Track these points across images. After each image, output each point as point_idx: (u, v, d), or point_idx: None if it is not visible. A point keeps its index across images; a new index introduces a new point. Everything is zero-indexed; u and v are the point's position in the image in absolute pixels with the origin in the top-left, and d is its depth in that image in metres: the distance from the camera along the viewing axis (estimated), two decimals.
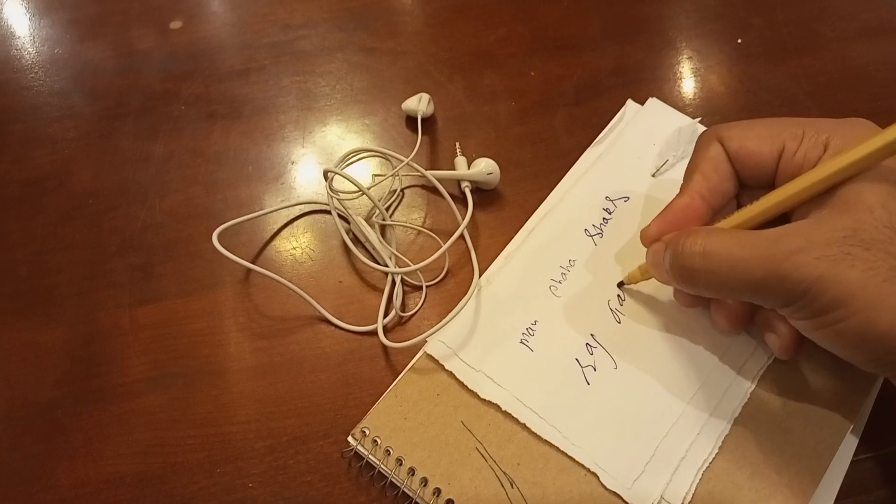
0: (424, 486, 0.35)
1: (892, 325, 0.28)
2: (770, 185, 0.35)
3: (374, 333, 0.41)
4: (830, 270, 0.28)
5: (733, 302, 0.36)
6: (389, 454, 0.36)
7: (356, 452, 0.37)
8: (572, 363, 0.39)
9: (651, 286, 0.41)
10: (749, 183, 0.36)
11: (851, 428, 0.36)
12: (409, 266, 0.42)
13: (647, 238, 0.37)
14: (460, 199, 0.46)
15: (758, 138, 0.35)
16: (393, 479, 0.36)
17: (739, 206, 0.37)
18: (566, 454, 0.36)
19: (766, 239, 0.31)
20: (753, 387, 0.37)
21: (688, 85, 0.52)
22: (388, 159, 0.48)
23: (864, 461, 0.36)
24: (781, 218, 0.34)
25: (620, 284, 0.41)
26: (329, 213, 0.46)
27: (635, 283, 0.40)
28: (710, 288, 0.33)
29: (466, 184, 0.45)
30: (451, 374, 0.38)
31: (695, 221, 0.36)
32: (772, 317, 0.35)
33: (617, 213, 0.44)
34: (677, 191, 0.44)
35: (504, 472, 0.36)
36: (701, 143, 0.37)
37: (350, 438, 0.37)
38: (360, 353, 0.41)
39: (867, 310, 0.28)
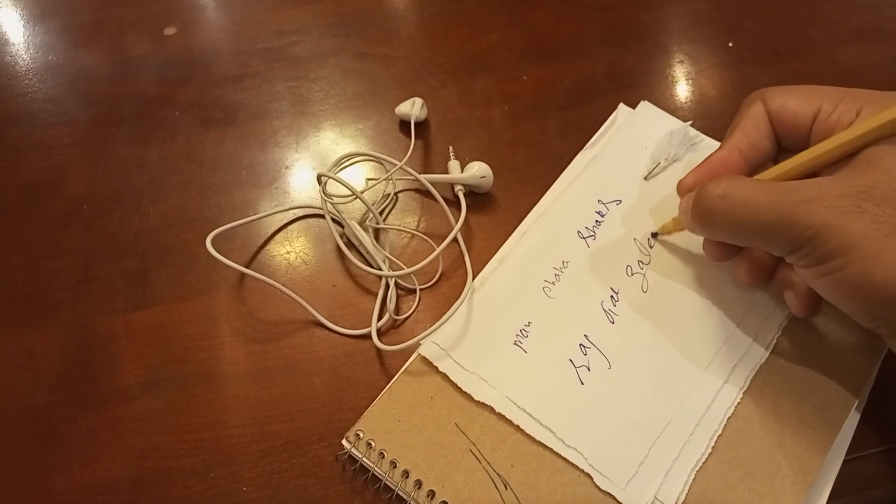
0: (419, 488, 0.36)
1: (888, 277, 0.29)
2: (805, 147, 0.36)
3: (368, 337, 0.41)
4: (837, 220, 0.30)
5: (757, 254, 0.37)
6: (384, 457, 0.36)
7: (350, 455, 0.37)
8: (566, 364, 0.39)
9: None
10: (785, 144, 0.37)
11: (843, 427, 0.36)
12: (402, 269, 0.43)
13: (683, 188, 0.39)
14: (454, 203, 0.46)
15: (798, 99, 0.36)
16: (387, 482, 0.36)
17: None
18: (560, 455, 0.36)
19: (783, 187, 0.32)
20: (745, 388, 0.37)
21: (680, 89, 0.52)
22: (381, 163, 0.48)
23: (857, 461, 0.37)
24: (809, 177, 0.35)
25: (654, 235, 0.43)
26: (323, 217, 0.46)
27: (668, 234, 0.42)
28: (724, 228, 0.35)
29: (460, 187, 0.45)
30: (444, 376, 0.38)
31: (730, 174, 0.37)
32: (790, 275, 0.36)
33: (609, 216, 0.44)
34: (669, 194, 0.44)
35: (498, 474, 0.36)
36: (745, 103, 0.38)
37: (344, 441, 0.37)
38: (355, 356, 0.41)
39: (866, 260, 0.29)
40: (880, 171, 0.31)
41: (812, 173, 0.35)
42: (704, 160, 0.38)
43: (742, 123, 0.37)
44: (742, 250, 0.38)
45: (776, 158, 0.38)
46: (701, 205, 0.35)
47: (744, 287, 0.40)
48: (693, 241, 0.42)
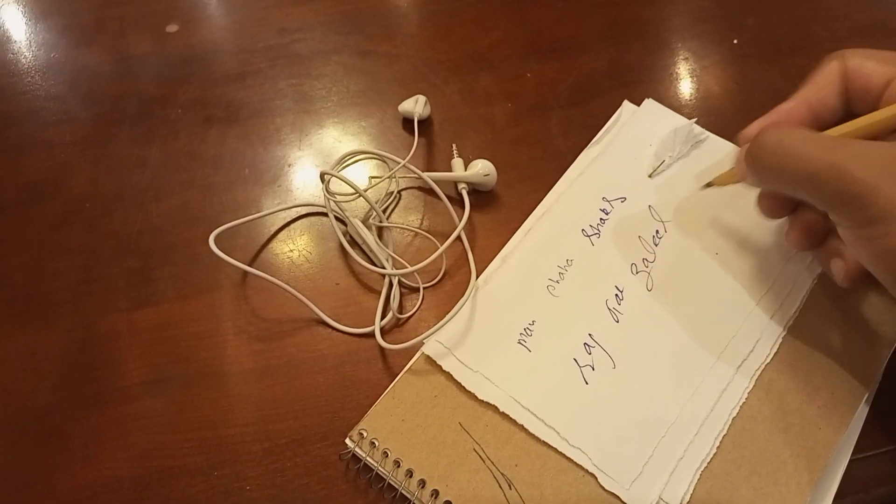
0: (422, 487, 0.35)
1: None
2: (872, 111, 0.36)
3: (371, 335, 0.41)
4: (887, 182, 0.29)
5: (809, 217, 0.36)
6: (387, 456, 0.36)
7: (354, 454, 0.37)
8: (570, 363, 0.39)
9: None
10: (854, 107, 0.37)
11: (850, 426, 0.36)
12: (406, 268, 0.42)
13: (744, 137, 0.38)
14: (457, 201, 0.46)
15: (875, 62, 0.36)
16: (391, 481, 0.36)
17: None
18: (564, 455, 0.36)
19: (839, 140, 0.32)
20: (751, 386, 0.37)
21: (684, 86, 0.52)
22: (384, 161, 0.48)
23: (862, 460, 0.36)
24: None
25: (709, 185, 0.41)
26: (326, 215, 0.46)
27: (723, 185, 0.41)
28: (773, 175, 0.34)
29: (463, 185, 0.45)
30: (448, 375, 0.38)
31: (794, 125, 0.36)
32: (839, 244, 0.36)
33: (614, 214, 0.44)
34: (674, 190, 0.44)
35: (502, 474, 0.36)
36: (824, 60, 0.38)
37: (348, 440, 0.37)
38: (358, 355, 0.41)
39: None
40: None
41: (874, 138, 0.34)
42: (772, 110, 0.38)
43: (815, 78, 0.37)
44: (795, 211, 0.37)
45: (842, 121, 0.37)
46: (755, 148, 0.34)
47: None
48: (701, 235, 0.42)
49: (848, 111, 0.37)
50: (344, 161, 0.46)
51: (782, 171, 0.33)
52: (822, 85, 0.37)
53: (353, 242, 0.45)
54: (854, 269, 0.35)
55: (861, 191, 0.29)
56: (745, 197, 0.41)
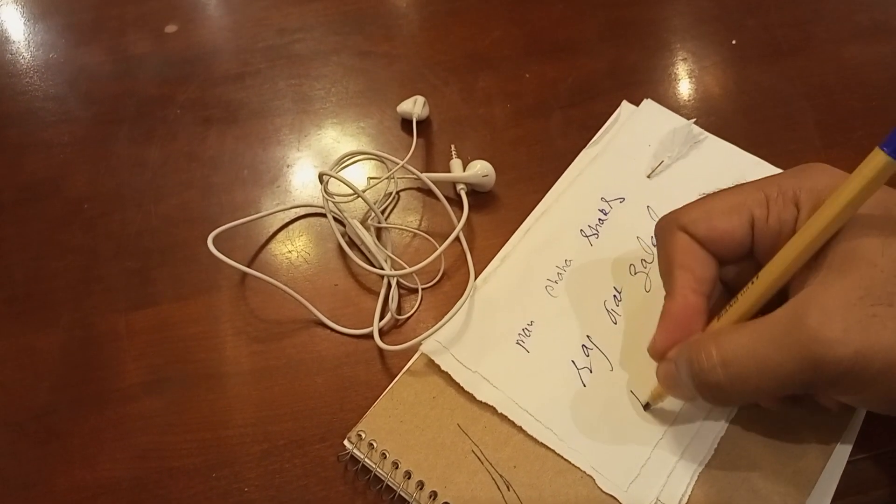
0: (421, 489, 0.35)
1: None
2: (748, 255, 0.34)
3: (369, 336, 0.41)
4: (864, 342, 0.27)
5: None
6: (385, 457, 0.36)
7: (352, 456, 0.37)
8: (568, 365, 0.39)
9: None
10: (727, 260, 0.34)
11: (848, 427, 0.36)
12: (404, 269, 0.42)
13: (657, 353, 0.34)
14: (456, 202, 0.46)
15: (723, 216, 0.33)
16: (389, 483, 0.36)
17: (724, 283, 0.36)
18: (562, 457, 0.36)
19: (782, 322, 0.29)
20: None
21: (683, 86, 0.52)
22: (383, 162, 0.48)
23: (860, 461, 0.36)
24: (778, 294, 0.32)
25: (647, 406, 0.37)
26: (324, 216, 0.46)
27: (662, 400, 0.37)
28: (745, 397, 0.32)
29: (462, 186, 0.45)
30: (447, 376, 0.38)
31: (697, 319, 0.33)
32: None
33: (612, 214, 0.44)
34: (673, 191, 0.44)
35: (500, 475, 0.36)
36: (665, 236, 0.35)
37: (346, 442, 0.37)
38: (356, 356, 0.41)
39: None
40: (863, 265, 0.28)
41: (783, 289, 0.32)
42: (662, 315, 0.34)
43: (678, 261, 0.34)
44: None
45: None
46: (704, 383, 0.31)
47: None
48: None
49: (722, 263, 0.34)
50: (343, 162, 0.46)
51: (756, 391, 0.30)
52: (691, 265, 0.33)
53: (351, 243, 0.45)
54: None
55: (846, 368, 0.27)
56: None
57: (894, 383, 0.27)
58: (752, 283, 0.32)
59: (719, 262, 0.34)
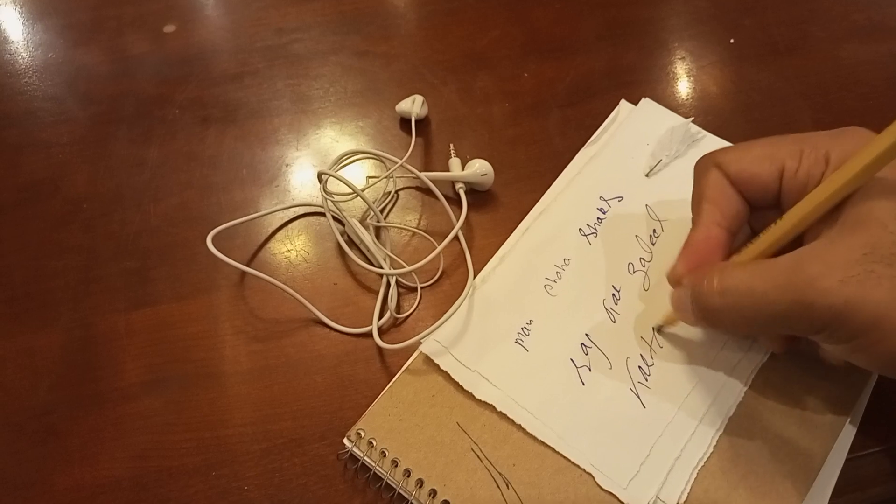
0: (420, 487, 0.35)
1: None
2: (776, 204, 0.35)
3: (369, 335, 0.41)
4: (857, 293, 0.28)
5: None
6: (385, 456, 0.36)
7: (352, 454, 0.37)
8: (567, 364, 0.39)
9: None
10: (755, 204, 0.36)
11: (846, 424, 0.36)
12: (403, 268, 0.43)
13: (674, 278, 0.36)
14: (454, 201, 0.46)
15: (756, 160, 0.34)
16: (389, 481, 0.36)
17: (752, 230, 0.37)
18: (561, 454, 0.36)
19: (784, 267, 0.30)
20: (747, 387, 0.37)
21: (681, 86, 0.52)
22: (382, 161, 0.48)
23: (859, 458, 0.36)
24: (794, 241, 0.33)
25: (659, 329, 0.39)
26: (323, 215, 0.46)
27: (673, 325, 0.39)
28: (736, 326, 0.33)
29: (461, 185, 0.45)
30: (446, 374, 0.38)
31: (718, 251, 0.35)
32: None
33: (611, 213, 0.44)
34: (671, 190, 0.44)
35: (500, 473, 0.36)
36: (700, 172, 0.36)
37: (346, 440, 0.37)
38: (356, 355, 0.41)
39: None
40: (874, 226, 0.29)
41: (798, 237, 0.33)
42: (685, 244, 0.36)
43: (707, 195, 0.35)
44: None
45: (749, 217, 0.37)
46: (702, 306, 0.33)
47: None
48: None
49: (751, 209, 0.36)
50: (341, 161, 0.47)
51: (747, 322, 0.32)
52: (720, 200, 0.35)
53: (350, 242, 0.45)
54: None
55: (835, 315, 0.28)
56: None
57: (880, 337, 0.28)
58: (771, 226, 0.33)
59: (749, 205, 0.36)
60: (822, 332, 0.30)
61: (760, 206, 0.36)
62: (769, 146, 0.35)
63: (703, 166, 0.36)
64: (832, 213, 0.31)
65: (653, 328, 0.40)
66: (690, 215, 0.43)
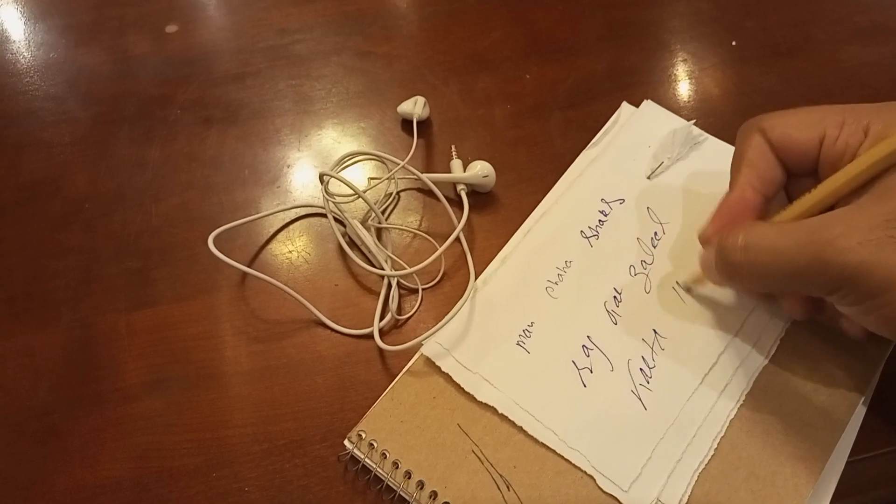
0: (421, 489, 0.35)
1: None
2: (814, 172, 0.35)
3: (370, 337, 0.41)
4: (873, 255, 0.28)
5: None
6: (386, 457, 0.36)
7: (353, 456, 0.37)
8: (569, 366, 0.39)
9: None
10: (793, 171, 0.36)
11: (847, 429, 0.36)
12: (405, 269, 0.42)
13: (704, 237, 0.37)
14: (456, 202, 0.46)
15: (798, 126, 0.35)
16: (389, 483, 0.36)
17: (789, 197, 0.37)
18: (563, 457, 0.36)
19: (807, 227, 0.31)
20: (748, 389, 0.37)
21: (682, 87, 0.52)
22: (383, 162, 0.48)
23: (860, 462, 0.36)
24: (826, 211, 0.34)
25: (688, 289, 0.41)
26: (325, 216, 0.46)
27: (701, 285, 0.40)
28: (754, 280, 0.34)
29: (462, 187, 0.45)
30: (447, 376, 0.38)
31: (750, 214, 0.36)
32: None
33: (612, 215, 0.44)
34: (672, 192, 0.44)
35: (500, 475, 0.36)
36: (743, 135, 0.37)
37: (346, 442, 0.37)
38: (357, 356, 0.41)
39: None
40: None
41: (830, 206, 0.34)
42: (720, 204, 0.37)
43: (747, 157, 0.36)
44: None
45: (785, 187, 0.37)
46: (724, 260, 0.34)
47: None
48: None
49: (789, 176, 0.37)
50: (343, 162, 0.47)
51: (765, 277, 0.33)
52: (759, 164, 0.36)
53: (351, 244, 0.45)
54: (865, 330, 0.35)
55: (849, 274, 0.29)
56: None
57: (893, 299, 0.29)
58: (805, 195, 0.34)
59: (788, 171, 0.36)
60: (838, 293, 0.30)
61: (798, 174, 0.36)
62: (814, 113, 0.35)
63: (747, 130, 0.37)
64: (866, 185, 0.32)
65: (677, 282, 0.41)
66: (691, 218, 0.43)
